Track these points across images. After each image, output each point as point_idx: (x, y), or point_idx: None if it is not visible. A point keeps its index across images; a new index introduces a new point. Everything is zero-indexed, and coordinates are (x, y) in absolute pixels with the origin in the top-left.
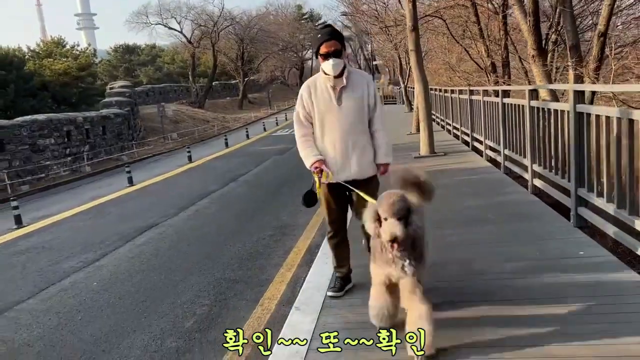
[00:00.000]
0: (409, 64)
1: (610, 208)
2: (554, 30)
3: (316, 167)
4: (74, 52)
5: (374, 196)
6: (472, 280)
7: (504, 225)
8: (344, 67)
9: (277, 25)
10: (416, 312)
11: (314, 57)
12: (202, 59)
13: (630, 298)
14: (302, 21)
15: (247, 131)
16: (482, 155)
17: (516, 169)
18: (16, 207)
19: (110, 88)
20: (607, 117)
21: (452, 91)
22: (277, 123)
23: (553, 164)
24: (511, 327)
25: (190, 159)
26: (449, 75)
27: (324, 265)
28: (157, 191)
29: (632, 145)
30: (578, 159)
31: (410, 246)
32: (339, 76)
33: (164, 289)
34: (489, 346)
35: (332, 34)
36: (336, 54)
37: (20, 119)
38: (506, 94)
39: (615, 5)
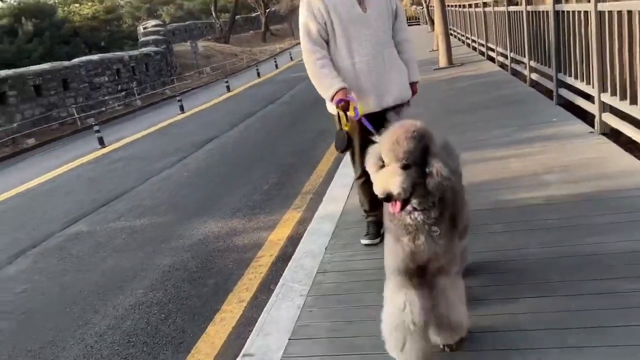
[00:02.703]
0: None
1: (577, 83)
2: None
3: (340, 100)
4: None
5: None
6: (468, 143)
7: (501, 108)
8: None
9: None
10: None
11: None
12: None
13: (576, 139)
14: None
15: (275, 61)
16: (494, 62)
17: (519, 68)
18: (98, 131)
19: (144, 28)
20: (575, 12)
21: (470, 5)
22: None
23: (542, 57)
24: (487, 163)
25: (228, 89)
26: None
27: None
28: (207, 115)
29: (587, 32)
30: (557, 49)
31: (440, 207)
32: None
33: (239, 172)
34: (471, 162)
35: None
36: None
37: (77, 60)
38: (511, 2)
39: None
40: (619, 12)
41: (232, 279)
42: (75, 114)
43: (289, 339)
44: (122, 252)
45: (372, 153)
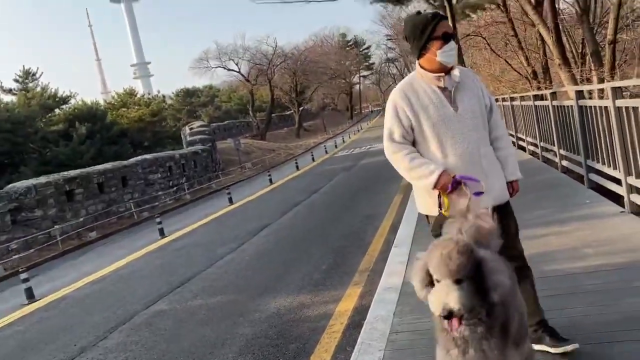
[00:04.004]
0: None
1: (605, 168)
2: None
3: (454, 182)
4: (145, 100)
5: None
6: None
7: (540, 192)
8: None
9: (325, 55)
10: None
11: (414, 53)
12: (257, 94)
13: (609, 218)
14: (347, 48)
15: (312, 154)
16: (525, 151)
17: (549, 156)
18: (160, 223)
19: (190, 128)
20: (596, 107)
21: (496, 100)
22: (336, 146)
23: (570, 145)
24: (531, 240)
25: (271, 181)
26: (495, 86)
27: (407, 225)
28: (255, 205)
29: (609, 123)
30: (584, 138)
31: (489, 320)
32: (448, 72)
33: (296, 255)
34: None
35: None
36: (454, 37)
37: (133, 159)
38: (537, 97)
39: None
40: (635, 108)
41: (311, 343)
42: (133, 209)
43: None
44: (205, 325)
45: (418, 268)
